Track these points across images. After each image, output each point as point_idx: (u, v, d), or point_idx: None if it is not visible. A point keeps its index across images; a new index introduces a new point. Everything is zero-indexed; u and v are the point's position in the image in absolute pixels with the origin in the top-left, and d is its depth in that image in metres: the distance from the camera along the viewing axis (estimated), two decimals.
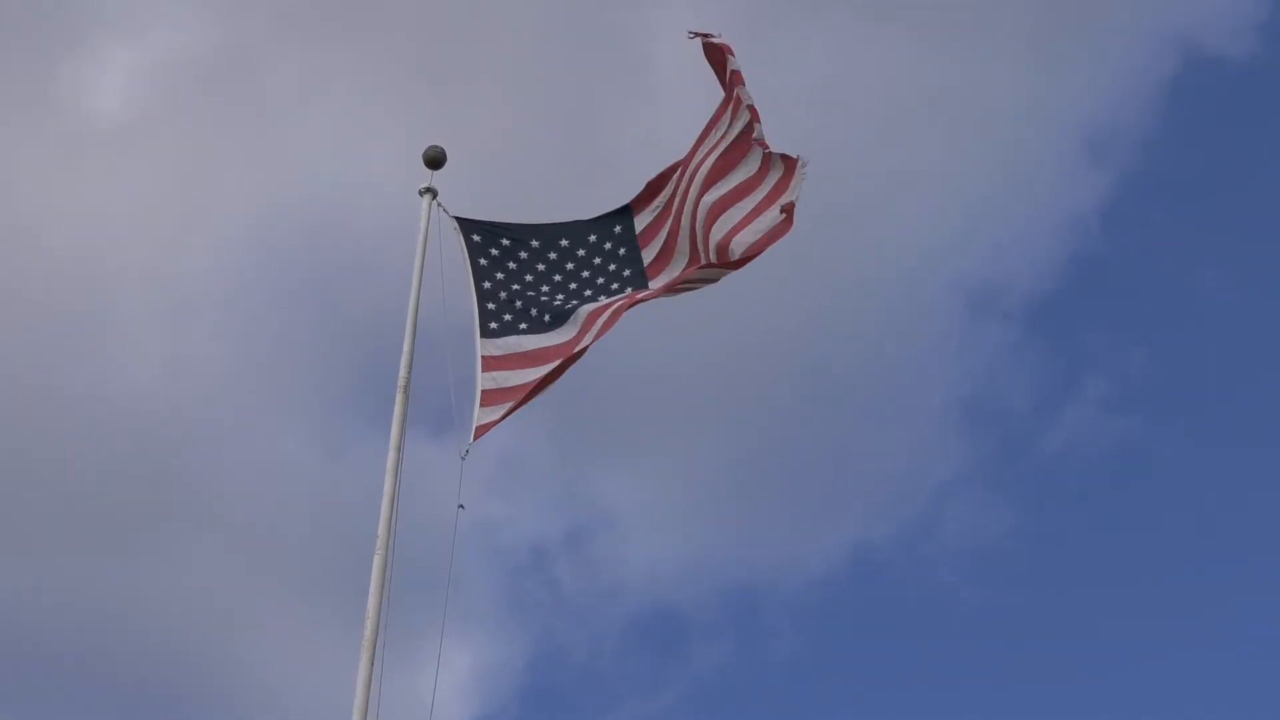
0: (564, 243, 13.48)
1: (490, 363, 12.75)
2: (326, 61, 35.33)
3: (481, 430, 12.35)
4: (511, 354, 12.80)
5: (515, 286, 13.25)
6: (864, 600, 34.02)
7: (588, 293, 13.15)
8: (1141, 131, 37.63)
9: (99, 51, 34.59)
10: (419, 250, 13.15)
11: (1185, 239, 37.67)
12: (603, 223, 13.57)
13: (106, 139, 33.84)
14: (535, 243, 13.45)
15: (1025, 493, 35.12)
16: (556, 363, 12.55)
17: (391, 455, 12.24)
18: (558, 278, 13.34)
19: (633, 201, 13.64)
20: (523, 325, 13.01)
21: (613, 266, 13.32)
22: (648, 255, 13.32)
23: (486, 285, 13.20)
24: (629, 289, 13.13)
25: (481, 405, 12.48)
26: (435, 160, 13.53)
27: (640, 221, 13.53)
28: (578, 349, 12.59)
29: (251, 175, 33.83)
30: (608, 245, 13.44)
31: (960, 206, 37.22)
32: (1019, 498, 35.03)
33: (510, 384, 12.61)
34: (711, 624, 32.98)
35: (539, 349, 12.82)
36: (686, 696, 31.72)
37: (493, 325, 12.98)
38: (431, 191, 13.51)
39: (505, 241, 13.42)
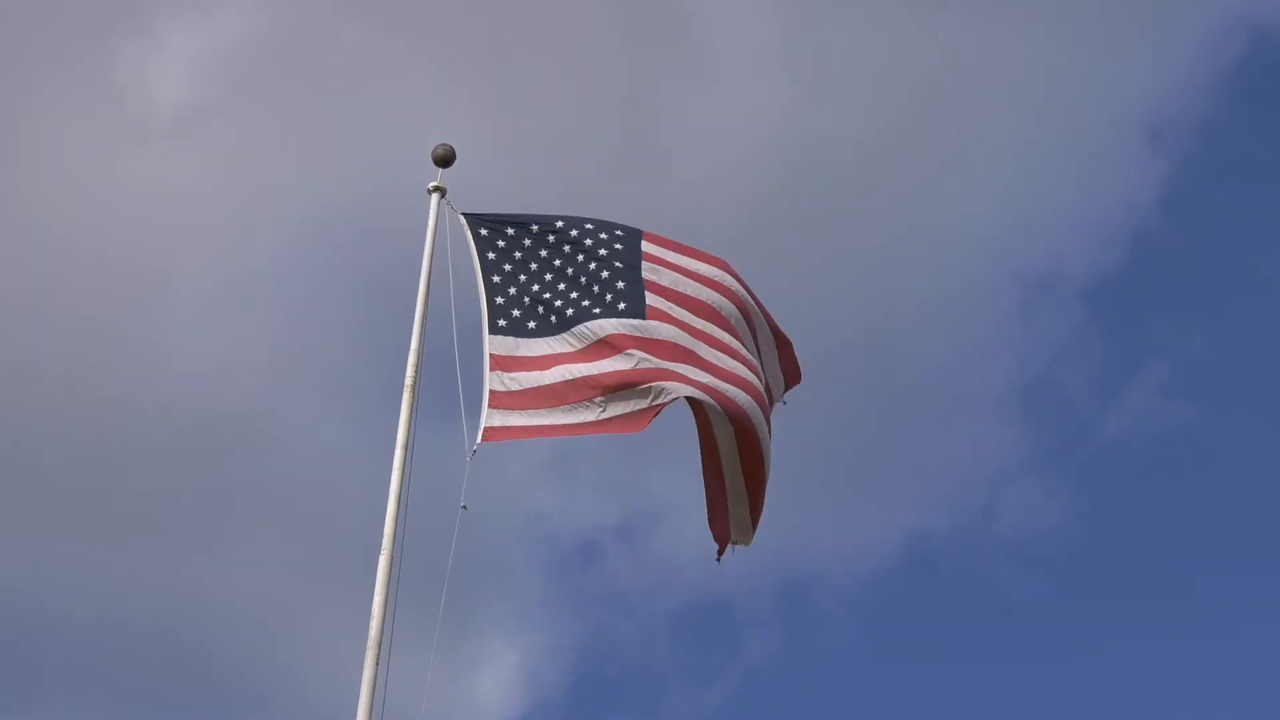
0: (570, 231, 13.25)
1: (498, 361, 12.57)
2: (386, 50, 35.33)
3: (492, 434, 12.18)
4: (519, 356, 12.63)
5: (522, 278, 13.07)
6: (919, 592, 33.79)
7: (586, 303, 12.87)
8: (1204, 116, 37.16)
9: (161, 37, 34.64)
10: (427, 251, 13.08)
11: (1247, 223, 37.21)
12: (609, 229, 13.32)
13: (165, 128, 33.92)
14: (535, 227, 13.24)
15: (1084, 479, 34.80)
16: (578, 420, 12.36)
17: (398, 454, 12.23)
18: (558, 263, 13.10)
19: (646, 233, 13.38)
20: (531, 324, 12.82)
21: (618, 282, 13.03)
22: (650, 295, 13.03)
23: (495, 279, 13.02)
24: (629, 315, 12.81)
25: (490, 406, 12.31)
26: (445, 159, 13.43)
27: (649, 246, 13.30)
28: (602, 421, 12.37)
29: (309, 166, 33.89)
30: (604, 253, 13.17)
31: (1019, 191, 36.91)
32: (1077, 485, 34.71)
33: (520, 388, 12.43)
34: (764, 616, 32.82)
35: (544, 355, 12.62)
36: (738, 688, 31.60)
37: (501, 322, 12.79)
38: (440, 190, 13.39)
39: (510, 231, 13.25)
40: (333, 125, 33.77)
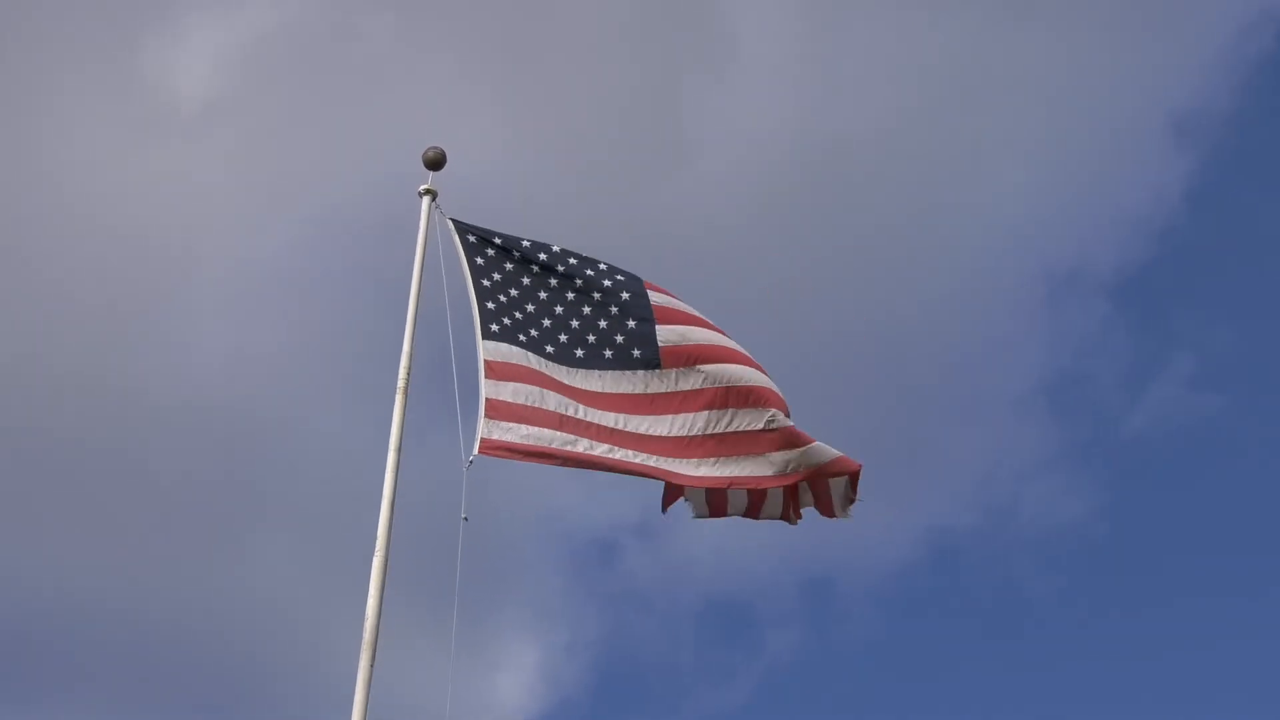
0: (574, 278, 13.33)
1: (493, 368, 12.49)
2: (405, 47, 35.37)
3: (489, 448, 12.08)
4: (516, 366, 12.59)
5: (514, 292, 13.11)
6: (941, 588, 33.69)
7: (591, 339, 13.02)
8: (1229, 110, 36.98)
9: (186, 29, 34.65)
10: (419, 252, 13.11)
11: (1273, 217, 37.03)
12: (613, 277, 13.39)
13: (188, 121, 33.93)
14: (518, 254, 13.30)
15: (1109, 474, 34.67)
16: (582, 450, 12.45)
17: (391, 456, 12.20)
18: (559, 308, 13.18)
19: (646, 283, 13.46)
20: (522, 337, 12.83)
21: (620, 337, 13.16)
22: (664, 335, 13.17)
23: (485, 284, 13.04)
24: (640, 366, 12.98)
25: (486, 416, 12.23)
26: (435, 162, 13.50)
27: (655, 296, 13.35)
28: (613, 460, 12.54)
29: (328, 160, 33.84)
30: (614, 309, 13.27)
31: (1045, 186, 36.83)
32: (1102, 480, 34.57)
33: (519, 402, 12.37)
34: (785, 613, 32.75)
35: (547, 377, 12.68)
36: (760, 685, 31.52)
37: (494, 328, 12.75)
38: (431, 193, 13.45)
39: (492, 251, 13.29)
40: (354, 120, 33.77)
